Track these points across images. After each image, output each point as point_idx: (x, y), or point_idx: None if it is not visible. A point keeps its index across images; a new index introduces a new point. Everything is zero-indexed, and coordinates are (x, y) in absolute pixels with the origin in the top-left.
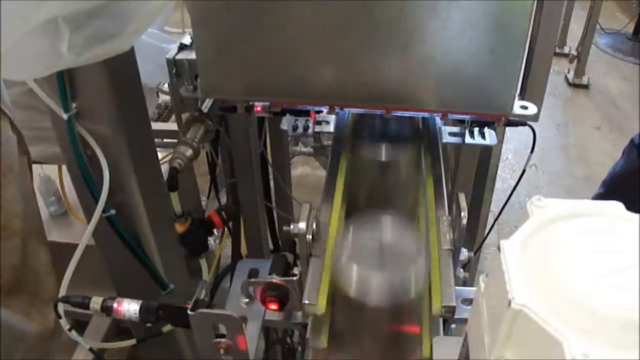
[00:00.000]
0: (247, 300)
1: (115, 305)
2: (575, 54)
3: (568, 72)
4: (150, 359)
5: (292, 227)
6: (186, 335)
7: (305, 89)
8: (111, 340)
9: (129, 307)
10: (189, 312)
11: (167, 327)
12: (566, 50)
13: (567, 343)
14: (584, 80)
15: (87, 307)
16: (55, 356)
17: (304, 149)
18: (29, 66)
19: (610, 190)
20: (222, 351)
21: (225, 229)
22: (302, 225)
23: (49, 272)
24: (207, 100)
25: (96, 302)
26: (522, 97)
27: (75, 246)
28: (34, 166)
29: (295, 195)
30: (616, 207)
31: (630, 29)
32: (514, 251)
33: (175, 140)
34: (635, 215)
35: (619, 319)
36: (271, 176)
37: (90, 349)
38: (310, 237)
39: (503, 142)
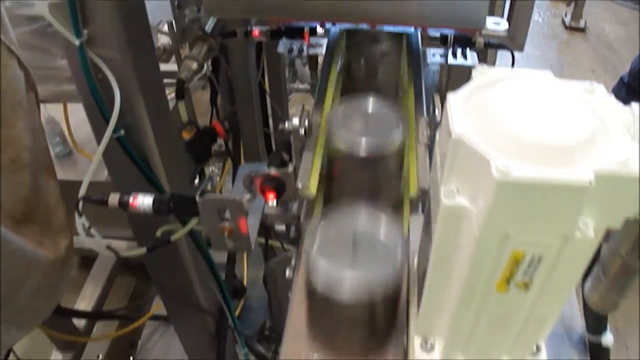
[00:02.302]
0: (248, 196)
1: (131, 199)
2: None
3: (565, 15)
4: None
5: (286, 124)
6: (192, 256)
7: (299, 7)
8: (116, 276)
9: (144, 201)
10: (197, 198)
11: (176, 236)
12: None
13: (493, 160)
14: (581, 24)
15: (106, 203)
16: (64, 288)
17: (301, 86)
18: None
19: None
20: (226, 234)
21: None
22: (295, 121)
23: (58, 203)
24: (210, 21)
25: (114, 198)
26: (509, 23)
27: (81, 183)
28: None
29: None
30: (547, 74)
31: None
32: (459, 101)
33: (174, 80)
34: (562, 80)
35: (537, 144)
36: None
37: (109, 247)
38: (303, 132)
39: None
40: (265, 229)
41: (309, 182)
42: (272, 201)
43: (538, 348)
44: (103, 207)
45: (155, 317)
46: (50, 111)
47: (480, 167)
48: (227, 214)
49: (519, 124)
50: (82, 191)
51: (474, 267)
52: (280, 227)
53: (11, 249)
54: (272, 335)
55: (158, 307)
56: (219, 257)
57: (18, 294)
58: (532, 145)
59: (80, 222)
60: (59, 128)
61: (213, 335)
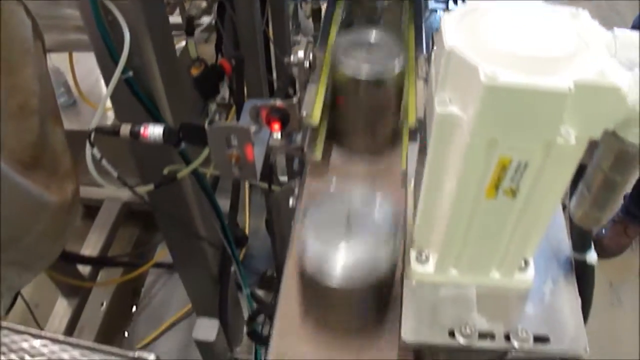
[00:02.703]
0: (254, 129)
1: (142, 129)
2: None
3: None
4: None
5: (292, 57)
6: (196, 197)
7: None
8: (120, 226)
9: (154, 130)
10: (206, 127)
11: (182, 173)
12: None
13: (482, 67)
14: None
15: (117, 134)
16: (70, 234)
17: (304, 39)
18: None
19: None
20: (233, 161)
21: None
22: (300, 54)
23: (64, 150)
24: None
25: (125, 128)
26: None
27: (86, 132)
28: None
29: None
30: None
31: None
32: (452, 19)
33: (179, 32)
34: (550, 5)
35: (523, 56)
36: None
37: (119, 178)
38: (308, 64)
39: None
40: (269, 175)
41: (313, 111)
42: (277, 132)
43: (527, 263)
44: (108, 157)
45: (158, 265)
46: (55, 62)
47: (470, 76)
48: (234, 142)
49: (507, 38)
50: (93, 124)
51: (465, 173)
52: (283, 178)
53: (20, 192)
54: (273, 283)
55: (162, 254)
56: (222, 206)
57: (26, 236)
58: (518, 57)
59: (91, 153)
60: (63, 78)
61: (216, 279)
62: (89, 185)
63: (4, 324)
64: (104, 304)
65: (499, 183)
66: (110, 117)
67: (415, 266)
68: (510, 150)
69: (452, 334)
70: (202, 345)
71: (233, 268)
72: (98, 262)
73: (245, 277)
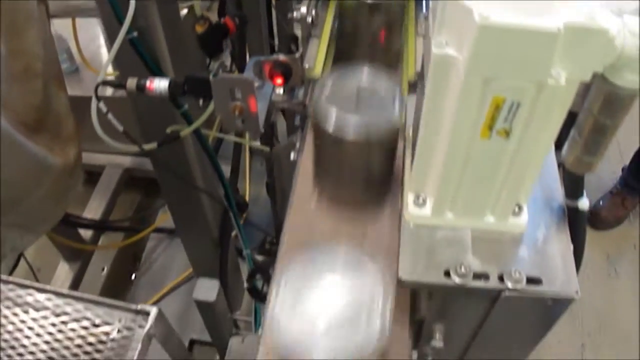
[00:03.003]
0: (257, 85)
1: (147, 83)
2: None
3: None
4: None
5: (295, 13)
6: (198, 158)
7: None
8: (121, 192)
9: (160, 84)
10: (211, 78)
11: (185, 132)
12: None
13: (476, 8)
14: None
15: (124, 87)
16: (72, 197)
17: None
18: None
19: None
20: (237, 113)
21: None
22: (303, 9)
23: (68, 114)
24: None
25: (132, 82)
26: None
27: (88, 98)
28: None
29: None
30: None
31: None
32: None
33: None
34: None
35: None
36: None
37: (125, 132)
38: (310, 20)
39: None
40: (270, 134)
41: (315, 64)
42: (280, 86)
43: (520, 208)
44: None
45: (159, 230)
46: (58, 29)
47: (465, 18)
48: (238, 94)
49: None
50: (99, 79)
51: (460, 113)
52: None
53: (24, 154)
54: (272, 249)
55: (162, 219)
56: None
57: (28, 198)
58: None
59: (96, 106)
60: (66, 45)
61: (216, 242)
62: (91, 151)
63: (10, 278)
64: (105, 268)
65: (493, 123)
66: None
67: (412, 209)
68: (504, 90)
69: (447, 274)
70: (202, 306)
71: (233, 232)
72: (99, 227)
73: (245, 239)
